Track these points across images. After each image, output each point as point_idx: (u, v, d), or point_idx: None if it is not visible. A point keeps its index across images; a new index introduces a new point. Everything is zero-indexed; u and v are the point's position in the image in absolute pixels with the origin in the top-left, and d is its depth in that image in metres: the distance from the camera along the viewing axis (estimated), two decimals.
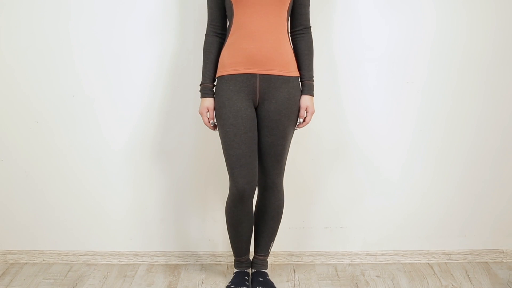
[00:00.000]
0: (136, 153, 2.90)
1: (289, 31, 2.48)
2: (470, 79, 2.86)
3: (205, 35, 2.50)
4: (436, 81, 2.85)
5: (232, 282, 2.65)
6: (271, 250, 2.85)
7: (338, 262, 3.00)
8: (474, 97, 2.87)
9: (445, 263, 2.99)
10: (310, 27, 2.50)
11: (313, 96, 2.47)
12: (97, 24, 2.79)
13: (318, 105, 2.71)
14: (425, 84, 2.85)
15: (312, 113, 2.47)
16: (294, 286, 2.74)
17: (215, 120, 2.46)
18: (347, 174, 2.94)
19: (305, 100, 2.45)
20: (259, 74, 2.38)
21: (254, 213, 2.64)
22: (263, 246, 2.68)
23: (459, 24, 2.82)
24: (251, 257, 2.77)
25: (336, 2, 2.79)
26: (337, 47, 2.83)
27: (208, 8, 2.49)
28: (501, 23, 2.82)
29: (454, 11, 2.81)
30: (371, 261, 3.00)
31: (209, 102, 2.45)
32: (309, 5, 2.50)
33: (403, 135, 2.91)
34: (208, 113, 2.45)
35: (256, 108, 2.45)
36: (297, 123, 2.47)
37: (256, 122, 2.44)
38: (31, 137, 2.89)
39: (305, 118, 2.48)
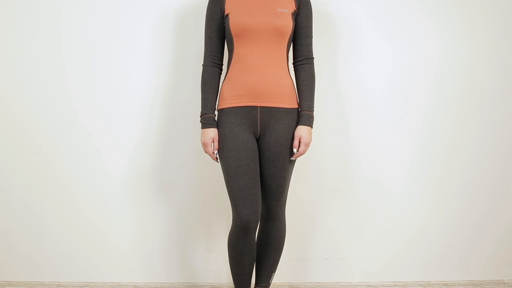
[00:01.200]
0: (136, 184, 2.91)
1: (289, 62, 2.50)
2: (470, 110, 2.89)
3: (204, 65, 2.50)
4: (436, 112, 2.88)
5: None
6: (272, 281, 2.83)
7: None
8: (474, 128, 2.90)
9: None
10: (313, 58, 2.52)
11: (310, 126, 2.45)
12: (95, 56, 2.83)
13: (319, 135, 2.72)
14: (425, 114, 2.88)
15: (307, 143, 2.43)
16: None
17: (217, 151, 2.46)
18: (347, 205, 2.95)
19: (299, 130, 2.44)
20: (260, 107, 2.40)
21: (256, 245, 2.63)
22: (264, 277, 2.66)
23: (461, 56, 2.87)
24: None
25: (340, 35, 2.84)
26: (340, 78, 2.87)
27: (207, 39, 2.49)
28: (502, 57, 2.87)
29: (456, 44, 2.86)
30: None
31: (214, 132, 2.44)
32: (312, 36, 2.51)
33: (402, 166, 2.92)
34: (213, 143, 2.45)
35: (257, 140, 2.45)
36: (293, 153, 2.44)
37: (257, 153, 2.44)
38: (31, 168, 2.89)
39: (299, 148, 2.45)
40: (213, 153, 2.44)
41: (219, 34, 2.48)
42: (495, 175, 2.94)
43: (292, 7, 2.44)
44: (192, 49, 2.81)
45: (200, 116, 2.47)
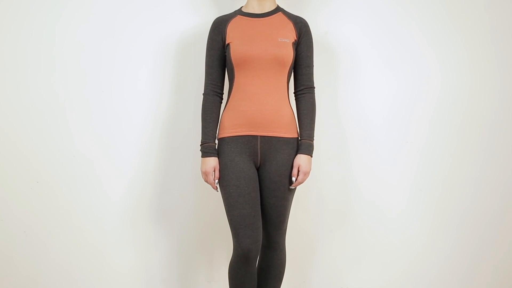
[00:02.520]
0: (136, 213, 2.90)
1: (290, 91, 2.52)
2: (470, 140, 2.91)
3: (204, 94, 2.51)
4: (436, 141, 2.90)
5: None
6: None
7: None
8: (473, 157, 2.91)
9: None
10: (313, 87, 2.53)
11: (309, 155, 2.45)
12: (95, 85, 2.84)
13: (320, 164, 2.73)
14: (425, 143, 2.89)
15: (305, 172, 2.43)
16: None
17: (218, 180, 2.46)
18: (348, 234, 2.94)
19: (298, 158, 2.44)
20: (260, 136, 2.41)
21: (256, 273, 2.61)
22: None
23: (462, 86, 2.89)
24: None
25: (340, 63, 2.86)
26: (341, 107, 2.89)
27: (207, 68, 2.51)
28: (503, 87, 2.90)
29: (458, 73, 2.89)
30: None
31: (215, 161, 2.44)
32: (312, 65, 2.53)
33: (402, 194, 2.93)
34: (214, 172, 2.44)
35: (257, 169, 2.46)
36: (292, 182, 2.44)
37: (258, 182, 2.44)
38: (31, 197, 2.88)
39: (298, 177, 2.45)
40: (214, 182, 2.44)
41: (220, 63, 2.50)
42: (493, 204, 2.95)
43: (293, 36, 2.47)
44: (193, 78, 2.82)
45: (201, 145, 2.47)
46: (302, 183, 2.47)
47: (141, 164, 2.88)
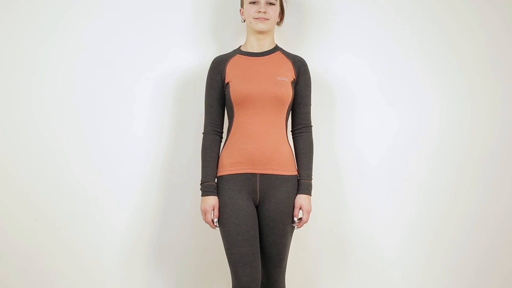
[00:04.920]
0: (136, 251, 2.88)
1: (288, 129, 2.54)
2: (469, 178, 2.92)
3: (204, 133, 2.53)
4: (435, 179, 2.90)
5: None
6: None
7: None
8: (472, 195, 2.92)
9: None
10: (311, 126, 2.55)
11: (309, 195, 2.47)
12: (96, 123, 2.86)
13: (318, 201, 2.72)
14: (423, 181, 2.90)
15: (308, 211, 2.45)
16: None
17: (217, 219, 2.46)
18: (347, 271, 2.92)
19: (299, 199, 2.45)
20: (259, 174, 2.42)
21: None
22: None
23: (462, 124, 2.91)
24: None
25: (338, 102, 2.88)
26: (339, 145, 2.90)
27: (207, 107, 2.53)
28: (504, 126, 2.92)
29: (458, 111, 2.91)
30: None
31: (214, 200, 2.45)
32: (310, 104, 2.55)
33: (400, 231, 2.92)
34: (213, 211, 2.45)
35: (257, 207, 2.46)
36: (294, 222, 2.45)
37: (257, 220, 2.44)
38: (31, 234, 2.87)
39: (301, 217, 2.46)
40: (213, 221, 2.44)
41: (219, 102, 2.52)
42: (491, 243, 2.94)
43: (292, 75, 2.49)
44: (193, 117, 2.84)
45: (201, 184, 2.48)
46: (306, 222, 2.48)
47: (141, 202, 2.87)
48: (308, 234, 2.87)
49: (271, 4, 2.49)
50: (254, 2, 2.49)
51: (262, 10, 2.47)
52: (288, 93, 2.45)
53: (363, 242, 2.91)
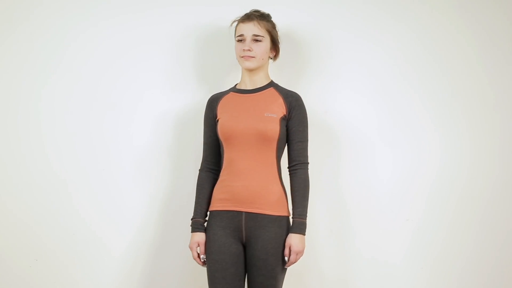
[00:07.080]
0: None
1: (284, 167, 2.48)
2: (465, 217, 2.85)
3: (199, 170, 2.55)
4: (430, 218, 2.84)
5: None
6: None
7: None
8: (467, 234, 2.86)
9: None
10: (307, 163, 2.47)
11: (302, 234, 2.38)
12: (94, 162, 2.88)
13: (318, 241, 2.68)
14: (419, 220, 2.84)
15: (297, 252, 2.36)
16: None
17: (205, 255, 2.42)
18: None
19: (289, 238, 2.37)
20: (245, 212, 2.37)
21: None
22: None
23: (461, 165, 2.86)
24: None
25: (339, 142, 2.86)
26: (339, 184, 2.85)
27: (203, 145, 2.55)
28: (502, 169, 2.86)
29: (458, 152, 2.85)
30: None
31: (199, 236, 2.43)
32: (306, 140, 2.48)
33: (401, 272, 2.85)
34: (198, 248, 2.43)
35: (245, 246, 2.40)
36: (286, 263, 2.38)
37: (242, 259, 2.39)
38: (31, 275, 2.88)
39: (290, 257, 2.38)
40: (199, 256, 2.42)
41: (213, 140, 2.52)
42: (487, 281, 2.85)
43: (281, 112, 2.44)
44: (191, 155, 2.83)
45: (191, 220, 2.48)
46: (294, 262, 2.40)
47: (137, 241, 2.87)
48: (309, 274, 2.81)
49: (257, 41, 2.46)
50: (240, 40, 2.48)
51: (246, 48, 2.44)
52: (274, 130, 2.39)
53: (364, 281, 2.84)
